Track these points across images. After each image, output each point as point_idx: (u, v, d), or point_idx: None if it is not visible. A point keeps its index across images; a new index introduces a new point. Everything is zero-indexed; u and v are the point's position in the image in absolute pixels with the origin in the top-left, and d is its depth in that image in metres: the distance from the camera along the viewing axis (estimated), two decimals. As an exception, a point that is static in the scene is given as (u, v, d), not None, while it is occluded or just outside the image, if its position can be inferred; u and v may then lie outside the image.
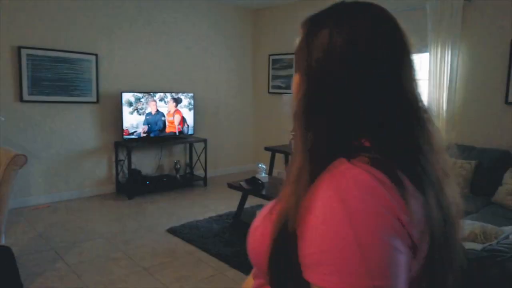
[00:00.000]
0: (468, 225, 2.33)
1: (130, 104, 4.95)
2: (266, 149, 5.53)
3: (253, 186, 3.63)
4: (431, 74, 4.19)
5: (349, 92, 0.66)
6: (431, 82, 4.20)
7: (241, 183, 3.70)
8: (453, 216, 0.70)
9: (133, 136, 4.98)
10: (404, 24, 0.72)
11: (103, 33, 4.84)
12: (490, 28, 3.84)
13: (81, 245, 3.43)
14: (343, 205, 0.58)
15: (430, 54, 4.18)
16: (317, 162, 0.66)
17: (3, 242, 3.42)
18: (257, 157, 6.58)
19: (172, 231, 3.76)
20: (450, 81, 4.06)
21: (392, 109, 0.66)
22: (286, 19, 5.91)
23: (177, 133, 5.37)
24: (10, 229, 3.72)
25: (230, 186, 3.79)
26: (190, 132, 5.55)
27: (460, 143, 4.00)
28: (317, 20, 0.73)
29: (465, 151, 3.73)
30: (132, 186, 4.89)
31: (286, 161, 5.33)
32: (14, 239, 3.51)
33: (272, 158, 5.50)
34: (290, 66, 5.85)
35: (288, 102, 5.33)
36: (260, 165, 3.89)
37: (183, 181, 5.43)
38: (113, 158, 5.10)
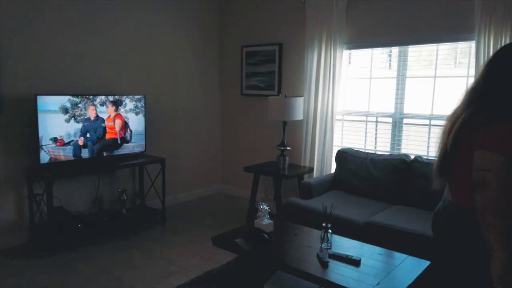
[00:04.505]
0: None
1: (65, 110, 3.40)
2: (247, 169, 4.15)
3: (256, 244, 2.26)
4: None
5: None
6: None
7: (238, 240, 2.30)
8: None
9: (61, 152, 3.37)
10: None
11: (9, 12, 3.18)
12: None
13: None
14: None
15: (478, 42, 3.10)
16: None
17: None
18: (229, 177, 5.18)
19: (123, 323, 2.27)
20: None
21: None
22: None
23: (118, 141, 3.83)
24: None
25: (217, 244, 2.38)
26: (136, 141, 4.02)
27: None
28: None
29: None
30: (54, 234, 3.27)
31: (276, 184, 4.00)
32: None
33: (256, 182, 4.14)
34: (271, 60, 4.54)
35: (276, 107, 4.00)
36: (262, 206, 2.53)
37: (132, 218, 3.88)
38: (25, 193, 3.44)
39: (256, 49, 4.68)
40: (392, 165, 3.50)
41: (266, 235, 2.33)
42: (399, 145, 3.86)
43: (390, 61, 4.01)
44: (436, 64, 3.57)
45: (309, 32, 4.09)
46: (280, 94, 4.46)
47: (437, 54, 3.57)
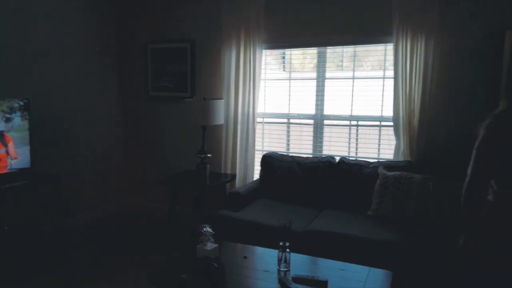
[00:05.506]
0: None
1: None
2: (162, 182, 3.67)
3: (207, 278, 1.88)
4: (399, 71, 3.23)
5: None
6: (399, 81, 3.24)
7: (184, 276, 1.89)
8: None
9: None
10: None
11: None
12: (481, 9, 3.04)
13: None
14: None
15: (396, 45, 3.21)
16: None
17: None
18: (140, 190, 4.57)
19: None
20: (424, 79, 3.16)
21: None
22: (169, -8, 4.14)
23: None
24: None
25: (157, 282, 1.93)
26: (18, 156, 3.23)
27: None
28: None
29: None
30: None
31: (199, 196, 3.60)
32: None
33: (173, 195, 3.68)
34: (182, 59, 4.11)
35: (195, 110, 3.61)
36: (206, 229, 2.15)
37: (23, 255, 3.06)
38: None
39: (164, 46, 4.20)
40: (319, 167, 3.43)
41: (215, 264, 1.97)
42: (321, 146, 3.83)
43: (284, 63, 3.96)
44: (354, 66, 3.63)
45: (226, 30, 3.80)
46: (194, 96, 4.07)
47: (354, 56, 3.62)
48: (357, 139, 3.72)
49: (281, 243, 2.02)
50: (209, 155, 3.73)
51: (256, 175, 3.87)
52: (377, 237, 2.63)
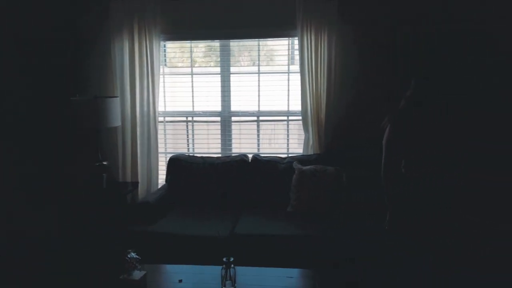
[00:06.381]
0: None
1: None
2: (50, 199, 3.02)
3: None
4: (305, 65, 3.23)
5: None
6: (306, 75, 3.25)
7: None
8: None
9: None
10: None
11: None
12: (377, 3, 3.20)
13: None
14: None
15: (301, 39, 3.21)
16: None
17: None
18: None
19: None
20: (329, 72, 3.24)
21: None
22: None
23: None
24: None
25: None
26: None
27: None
28: None
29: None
30: None
31: (98, 211, 3.05)
32: None
33: (68, 214, 3.06)
34: (61, 51, 3.45)
35: (85, 111, 3.05)
36: (130, 255, 1.77)
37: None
38: None
39: (36, 35, 3.46)
40: (233, 166, 3.26)
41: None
42: (230, 145, 3.66)
43: (165, 56, 3.71)
44: (259, 60, 3.53)
45: (115, 16, 3.31)
46: (77, 94, 3.46)
47: (259, 50, 3.53)
48: (258, 135, 3.63)
49: (224, 259, 1.79)
50: (105, 163, 3.22)
51: (162, 181, 3.51)
52: (306, 233, 2.59)
